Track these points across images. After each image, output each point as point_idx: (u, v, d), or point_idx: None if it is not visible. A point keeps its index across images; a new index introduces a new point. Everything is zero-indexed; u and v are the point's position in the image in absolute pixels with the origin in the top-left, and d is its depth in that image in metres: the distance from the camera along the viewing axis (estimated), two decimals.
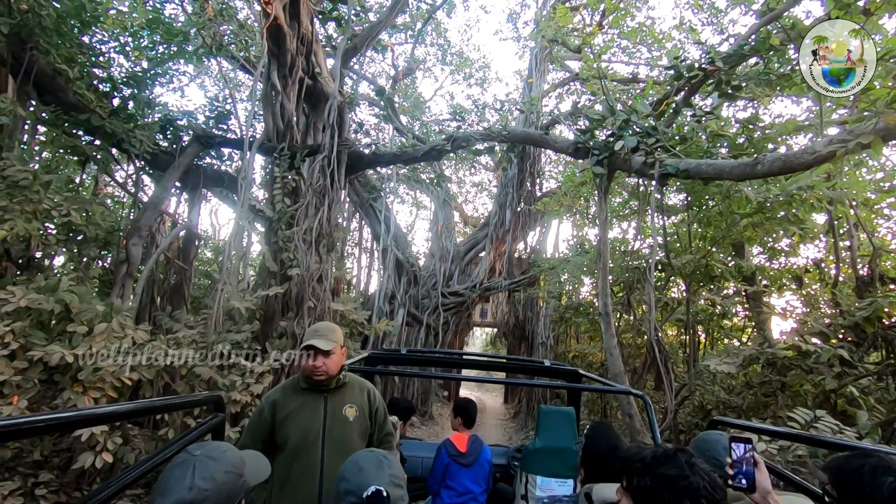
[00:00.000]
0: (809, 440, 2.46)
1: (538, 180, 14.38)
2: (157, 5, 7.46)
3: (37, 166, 5.58)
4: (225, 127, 8.12)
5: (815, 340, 4.91)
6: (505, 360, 5.52)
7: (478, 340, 26.90)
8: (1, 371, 3.78)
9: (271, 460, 1.96)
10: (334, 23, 8.21)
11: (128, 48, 7.49)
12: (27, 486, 4.13)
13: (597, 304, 9.28)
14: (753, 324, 7.97)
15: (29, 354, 3.95)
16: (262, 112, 6.86)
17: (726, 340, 8.84)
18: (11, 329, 3.94)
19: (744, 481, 1.38)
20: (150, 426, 4.92)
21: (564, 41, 10.99)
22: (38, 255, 5.80)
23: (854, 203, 5.49)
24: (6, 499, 3.78)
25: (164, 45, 7.57)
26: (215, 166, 8.39)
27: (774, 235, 6.95)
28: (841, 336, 4.95)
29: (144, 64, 7.66)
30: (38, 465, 4.39)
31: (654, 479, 1.17)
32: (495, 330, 18.62)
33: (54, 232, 5.69)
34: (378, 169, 11.43)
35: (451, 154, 9.75)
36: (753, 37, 6.07)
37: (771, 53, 6.05)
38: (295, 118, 6.75)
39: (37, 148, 6.77)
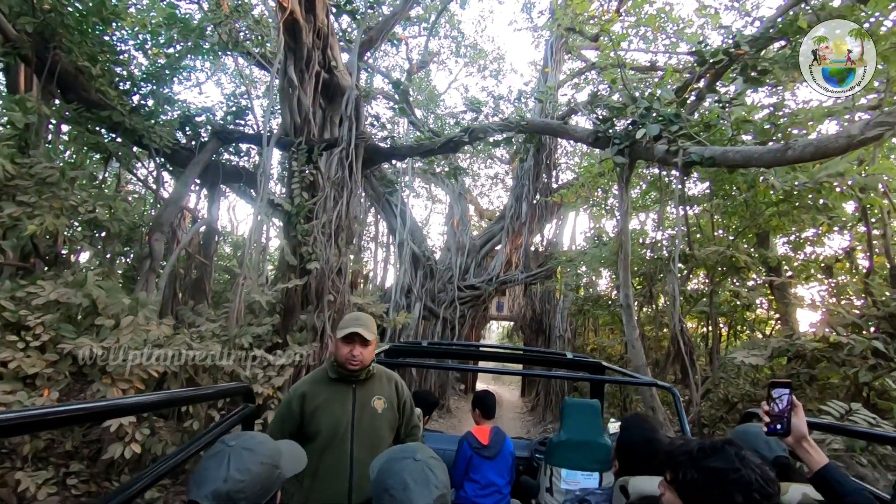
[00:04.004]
0: (848, 432, 2.38)
1: (554, 172, 14.19)
2: (174, 2, 7.51)
3: (61, 164, 5.68)
4: (242, 122, 8.16)
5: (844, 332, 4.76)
6: (528, 353, 5.46)
7: (494, 334, 26.89)
8: (33, 363, 3.88)
9: None
10: (349, 16, 8.18)
11: (146, 45, 7.56)
12: (59, 475, 4.24)
13: (615, 295, 9.17)
14: (778, 315, 7.77)
15: (59, 347, 4.05)
16: (279, 107, 6.86)
17: (749, 333, 8.67)
18: (42, 322, 4.04)
19: (778, 426, 1.34)
20: (174, 418, 5.01)
21: (581, 30, 10.77)
22: (65, 251, 5.92)
23: (884, 190, 5.28)
24: (40, 488, 3.89)
25: (181, 42, 7.63)
26: (233, 162, 8.45)
27: (799, 226, 6.75)
28: (874, 327, 4.79)
29: (163, 61, 7.74)
30: (70, 456, 4.49)
31: (702, 472, 1.13)
32: (512, 323, 18.56)
33: (79, 228, 5.80)
34: (394, 163, 11.39)
35: (468, 146, 9.66)
36: (780, 19, 5.87)
37: (798, 36, 5.84)
38: (312, 112, 6.74)
39: (61, 146, 6.90)
